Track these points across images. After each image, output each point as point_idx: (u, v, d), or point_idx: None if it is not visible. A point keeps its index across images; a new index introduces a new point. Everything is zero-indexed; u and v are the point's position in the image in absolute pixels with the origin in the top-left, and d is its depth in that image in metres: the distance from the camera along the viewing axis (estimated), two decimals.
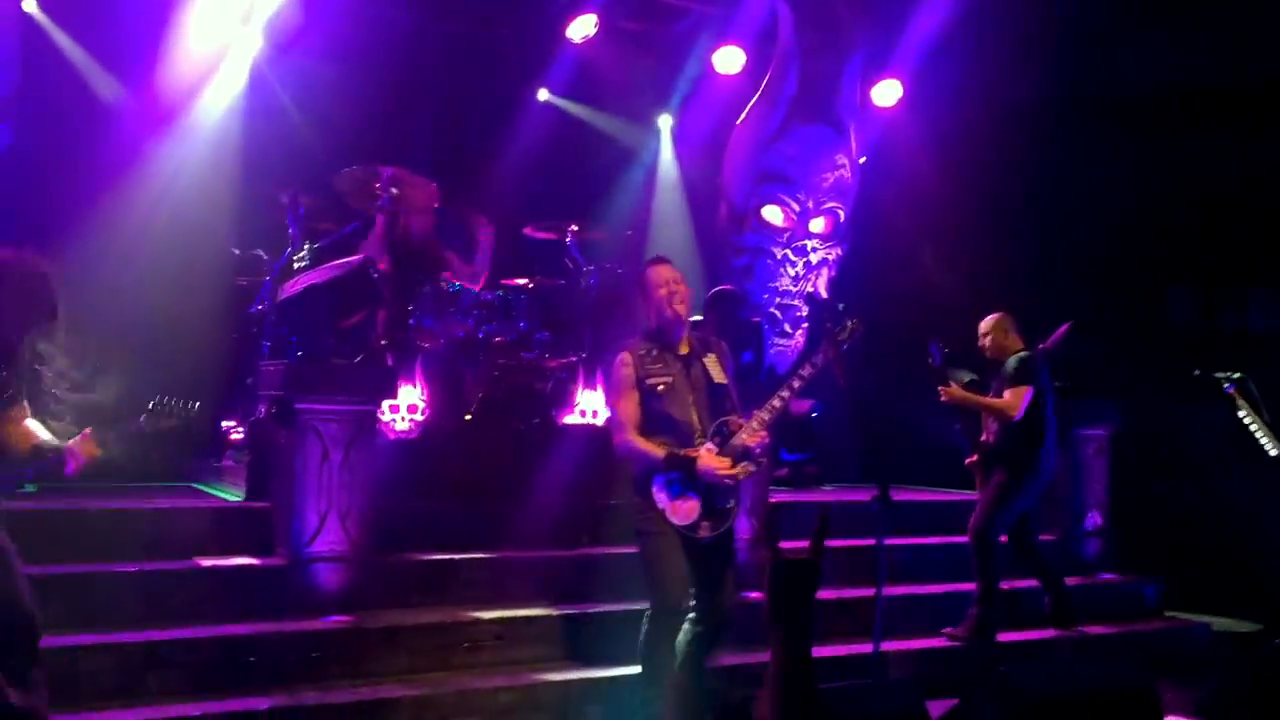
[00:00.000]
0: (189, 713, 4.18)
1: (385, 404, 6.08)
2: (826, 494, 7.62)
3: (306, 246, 6.41)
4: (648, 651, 4.44)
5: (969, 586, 6.00)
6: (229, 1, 7.16)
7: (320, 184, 6.75)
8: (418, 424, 6.26)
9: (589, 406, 6.86)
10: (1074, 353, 7.27)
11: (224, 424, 6.43)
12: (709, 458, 4.32)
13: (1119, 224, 8.06)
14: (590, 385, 6.87)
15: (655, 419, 4.45)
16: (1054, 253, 8.13)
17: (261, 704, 4.31)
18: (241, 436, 6.11)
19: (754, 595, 4.76)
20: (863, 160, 8.98)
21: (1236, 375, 6.22)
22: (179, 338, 6.63)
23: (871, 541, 4.62)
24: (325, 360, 5.30)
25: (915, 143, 8.77)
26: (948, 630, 5.97)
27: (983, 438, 6.14)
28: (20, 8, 6.59)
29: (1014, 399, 5.93)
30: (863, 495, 6.61)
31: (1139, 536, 7.39)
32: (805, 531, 5.50)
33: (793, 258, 8.47)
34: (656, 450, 4.36)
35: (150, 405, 3.68)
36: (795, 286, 8.38)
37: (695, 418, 4.46)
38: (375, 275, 5.51)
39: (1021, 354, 6.07)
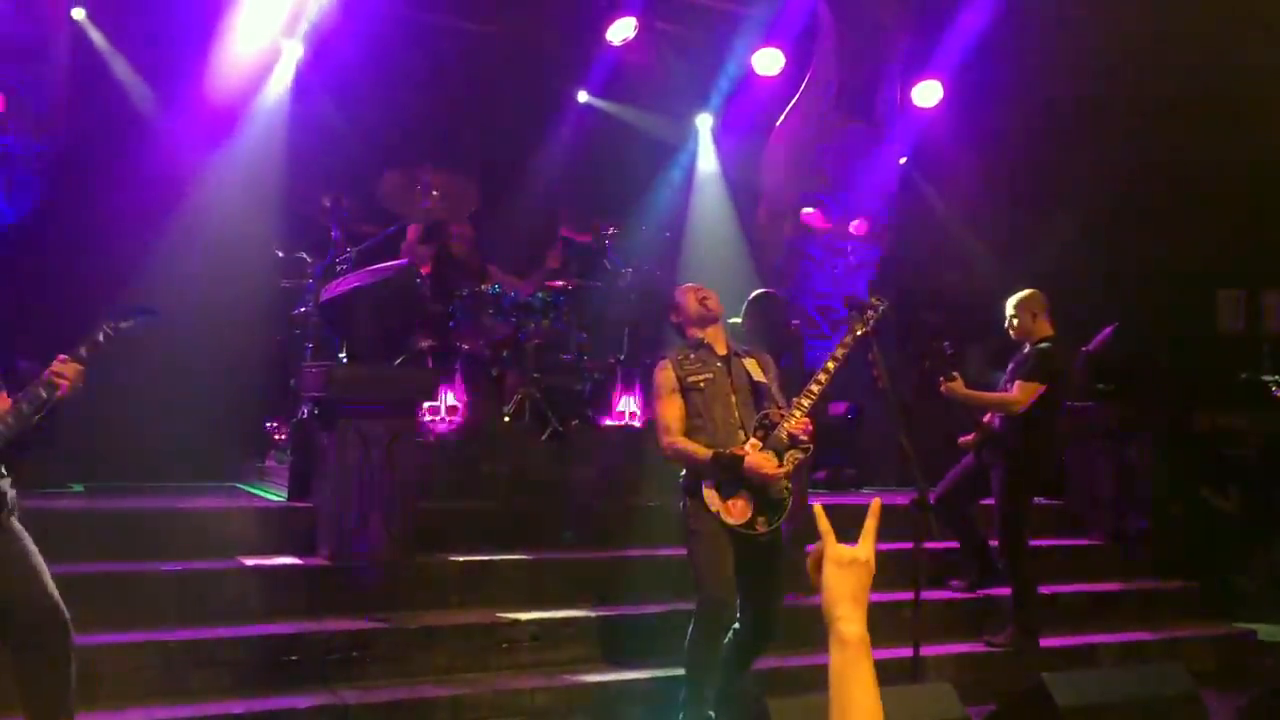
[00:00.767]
0: (232, 710, 4.23)
1: (425, 405, 6.14)
2: (865, 497, 7.58)
3: (350, 250, 6.48)
4: (694, 652, 4.44)
5: (1007, 591, 5.93)
6: (273, 10, 7.25)
7: (363, 188, 6.83)
8: (457, 425, 6.30)
9: (627, 408, 6.88)
10: (1121, 355, 7.19)
11: (268, 425, 6.52)
12: (756, 456, 4.35)
13: (1166, 227, 7.95)
14: (628, 386, 6.89)
15: (699, 417, 4.51)
16: (1099, 255, 8.03)
17: (302, 703, 4.36)
18: (285, 437, 6.19)
19: (791, 598, 4.78)
20: (903, 161, 8.93)
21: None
22: (223, 339, 6.72)
23: (910, 545, 4.57)
24: (367, 362, 5.35)
25: (956, 143, 8.69)
26: (987, 636, 5.90)
27: (985, 418, 5.99)
28: (69, 16, 6.70)
29: (1021, 395, 5.75)
30: (902, 498, 6.57)
31: (1184, 541, 7.29)
32: (845, 535, 5.53)
33: (832, 259, 8.44)
34: (703, 452, 4.39)
35: (107, 314, 3.68)
36: (834, 288, 8.35)
37: (738, 415, 4.51)
38: (419, 279, 5.56)
39: (1043, 345, 5.89)
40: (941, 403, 5.97)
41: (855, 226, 8.46)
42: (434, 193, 6.43)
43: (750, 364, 4.65)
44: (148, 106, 6.92)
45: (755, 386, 4.60)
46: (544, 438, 6.39)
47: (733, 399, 4.54)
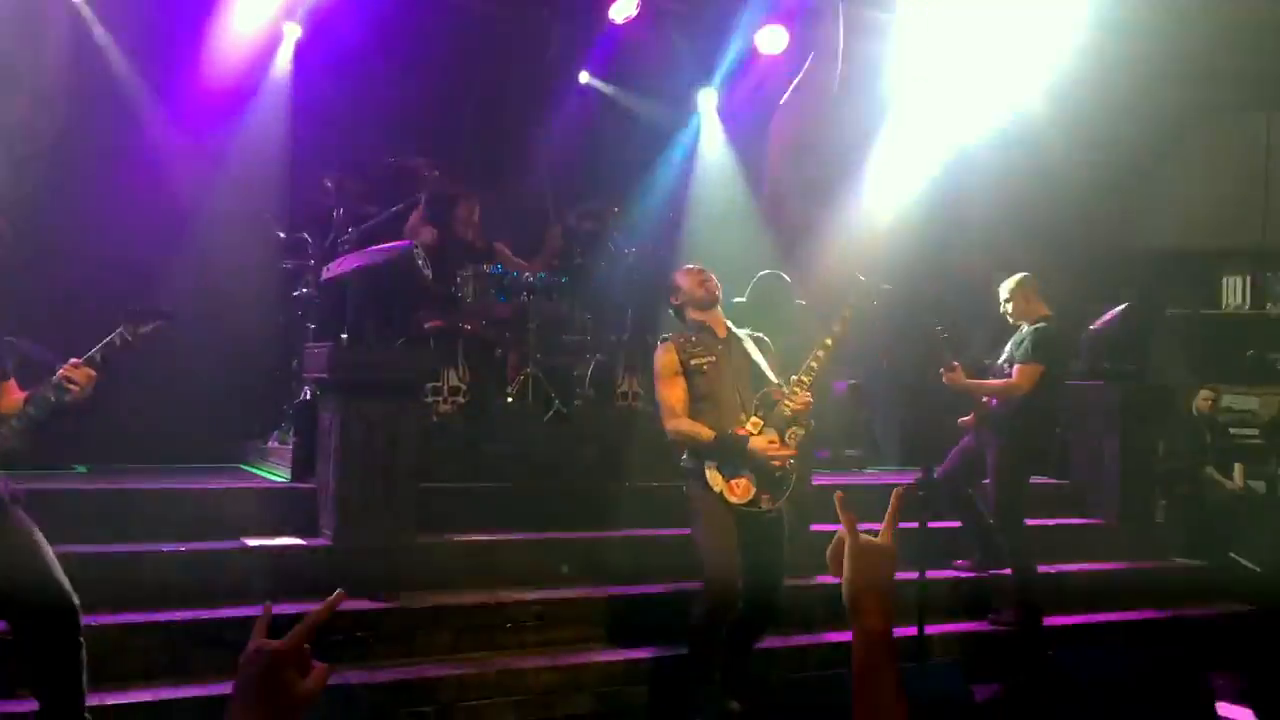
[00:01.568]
0: None
1: (428, 386, 6.12)
2: (869, 476, 7.57)
3: (351, 230, 6.45)
4: (698, 632, 4.45)
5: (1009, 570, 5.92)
6: None
7: (365, 168, 6.79)
8: (460, 406, 6.29)
9: (629, 388, 6.86)
10: (1128, 334, 7.16)
11: (270, 406, 6.51)
12: (759, 439, 4.36)
13: (1172, 213, 7.91)
14: (631, 367, 6.87)
15: (702, 399, 4.53)
16: (1114, 241, 7.98)
17: None
18: (287, 418, 6.18)
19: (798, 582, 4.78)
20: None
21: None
22: (225, 320, 6.70)
23: (915, 525, 4.56)
24: (369, 343, 5.33)
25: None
26: (992, 615, 5.91)
27: (983, 399, 5.96)
28: None
29: (1022, 378, 5.75)
30: (906, 478, 6.58)
31: (1189, 520, 7.27)
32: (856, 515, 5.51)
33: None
34: (707, 433, 4.41)
35: (125, 318, 3.64)
36: (838, 267, 8.30)
37: (739, 395, 4.52)
38: (420, 260, 5.53)
39: (1040, 326, 5.88)
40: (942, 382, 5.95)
41: (858, 205, 8.42)
42: (435, 172, 6.39)
43: (750, 345, 4.65)
44: (147, 88, 6.87)
45: (756, 367, 4.60)
46: (547, 418, 6.38)
47: (733, 377, 4.56)
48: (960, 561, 6.23)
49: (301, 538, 5.19)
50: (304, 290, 6.52)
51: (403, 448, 5.22)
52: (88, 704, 3.62)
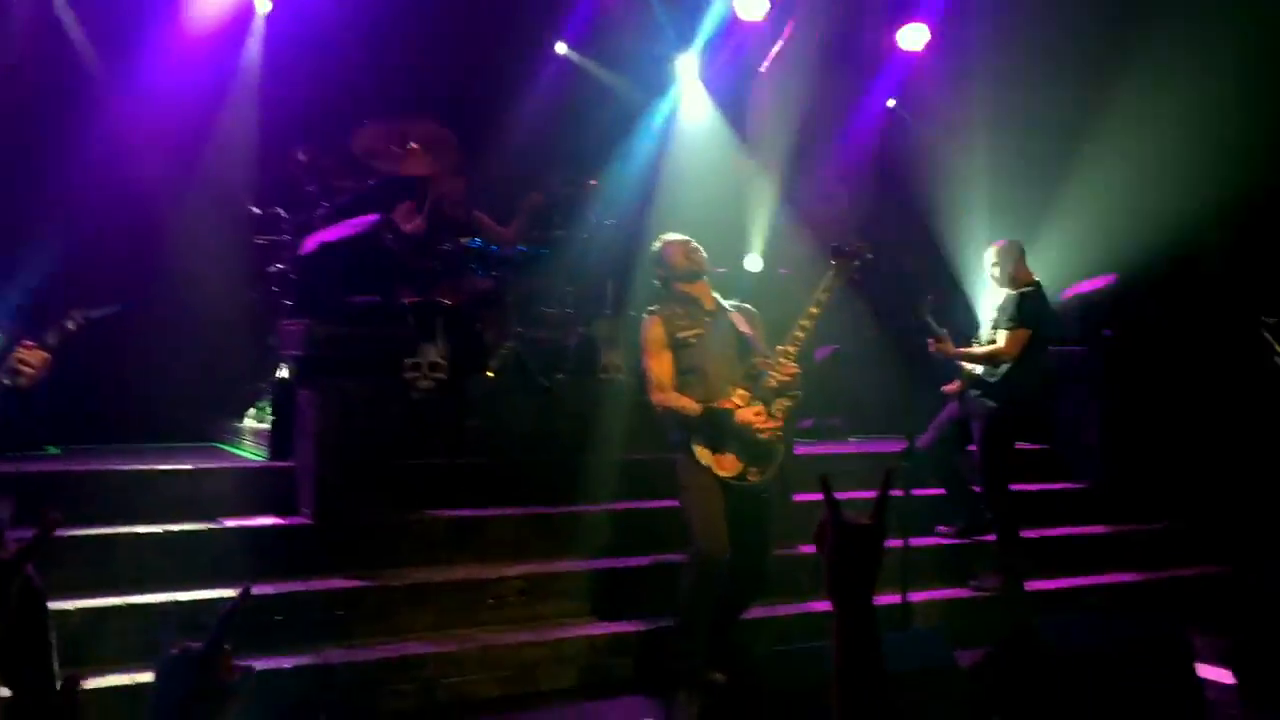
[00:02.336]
0: None
1: (407, 362, 6.05)
2: (852, 445, 7.55)
3: (325, 204, 6.35)
4: (685, 604, 4.45)
5: (994, 536, 5.92)
6: None
7: (339, 140, 6.68)
8: (440, 381, 6.21)
9: (612, 361, 6.80)
10: (1113, 299, 7.15)
11: (245, 383, 6.43)
12: (746, 412, 4.33)
13: (1153, 174, 7.86)
14: (614, 339, 6.80)
15: (689, 372, 4.52)
16: (1087, 201, 7.94)
17: (287, 663, 4.33)
18: (264, 397, 6.10)
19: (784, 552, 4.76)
20: (891, 103, 8.82)
21: (1274, 320, 6.06)
22: (199, 297, 6.61)
23: (899, 493, 4.54)
24: (345, 319, 5.25)
25: (942, 88, 8.56)
26: (974, 581, 5.91)
27: (967, 366, 5.94)
28: None
29: (1009, 345, 5.74)
30: (888, 446, 6.56)
31: (1169, 484, 7.28)
32: (833, 484, 5.49)
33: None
34: (694, 407, 4.39)
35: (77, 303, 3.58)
36: (822, 235, 8.25)
37: (727, 367, 4.49)
38: (391, 235, 5.44)
39: (1025, 290, 5.87)
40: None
41: (841, 173, 8.36)
42: (412, 145, 6.29)
43: (736, 316, 4.62)
44: (113, 62, 6.73)
45: (742, 339, 4.57)
46: (529, 392, 6.32)
47: (719, 350, 4.53)
48: (944, 528, 6.23)
49: (280, 517, 5.14)
50: (279, 266, 6.43)
51: (382, 425, 5.17)
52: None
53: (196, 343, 6.54)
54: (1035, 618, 4.10)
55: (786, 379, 4.39)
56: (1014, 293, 5.90)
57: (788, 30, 8.32)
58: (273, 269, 6.51)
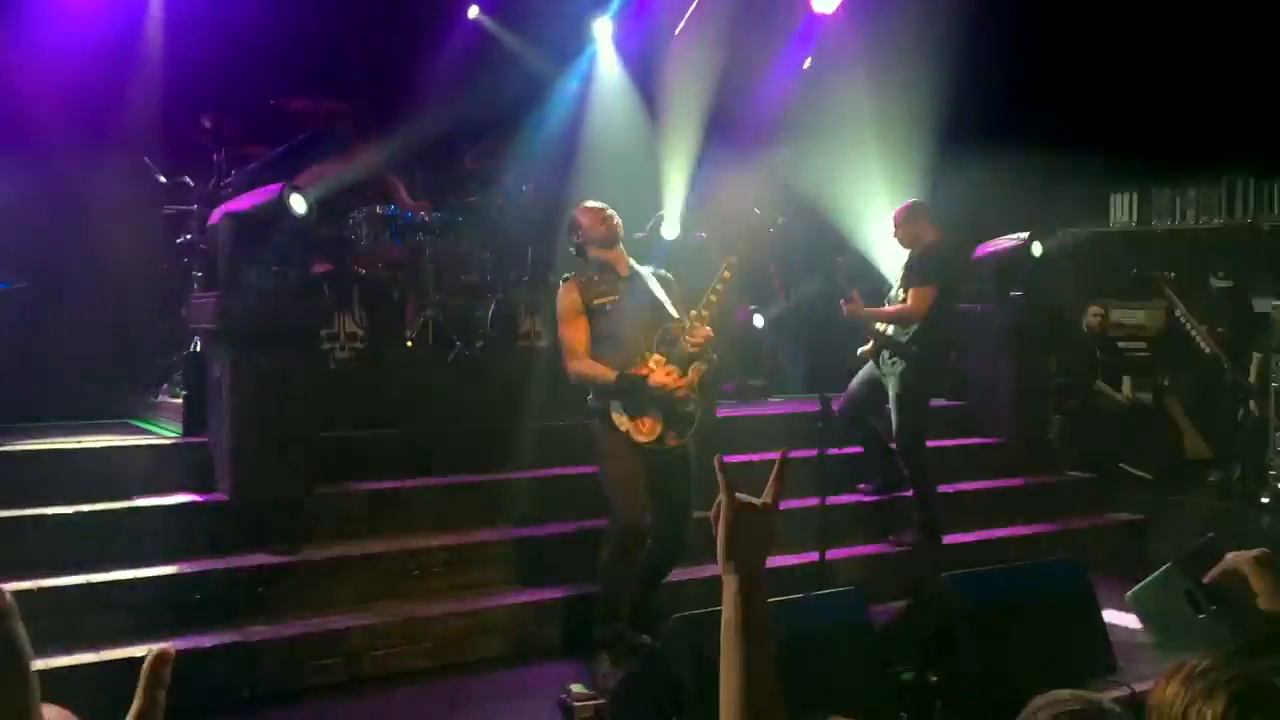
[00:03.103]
0: (134, 653, 4.13)
1: (323, 333, 5.97)
2: (773, 407, 7.65)
3: (234, 172, 6.20)
4: (608, 570, 4.49)
5: (911, 493, 6.07)
6: None
7: (246, 106, 6.51)
8: (358, 352, 6.15)
9: (532, 327, 6.79)
10: (1022, 258, 7.31)
11: (157, 358, 6.28)
12: (660, 374, 4.36)
13: (1066, 134, 8.04)
14: (533, 305, 6.79)
15: (606, 339, 4.52)
16: (1001, 161, 8.09)
17: (207, 641, 4.28)
18: (176, 371, 5.97)
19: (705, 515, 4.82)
20: (807, 65, 8.85)
21: (1171, 275, 6.28)
22: (105, 270, 6.43)
23: (814, 453, 4.62)
24: (257, 291, 5.14)
25: (856, 50, 8.61)
26: (893, 536, 6.06)
27: (879, 327, 6.04)
28: None
29: (917, 302, 5.85)
30: (810, 407, 6.65)
31: (1079, 435, 7.53)
32: (753, 445, 5.56)
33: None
34: (609, 374, 4.41)
35: None
36: (738, 197, 8.28)
37: (643, 334, 4.51)
38: (295, 203, 5.32)
39: (929, 248, 5.98)
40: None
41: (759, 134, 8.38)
42: (322, 112, 6.17)
43: (652, 282, 4.64)
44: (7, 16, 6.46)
45: (658, 304, 4.59)
46: (449, 361, 6.28)
47: (635, 316, 4.54)
48: (863, 485, 6.36)
49: (197, 494, 5.05)
50: (188, 237, 6.27)
51: (298, 397, 5.10)
52: None
53: (105, 316, 6.37)
54: (945, 572, 4.21)
55: (701, 343, 4.42)
56: (920, 251, 6.01)
57: None
58: (181, 239, 6.35)
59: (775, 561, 5.43)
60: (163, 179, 6.54)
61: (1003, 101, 8.17)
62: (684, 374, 4.43)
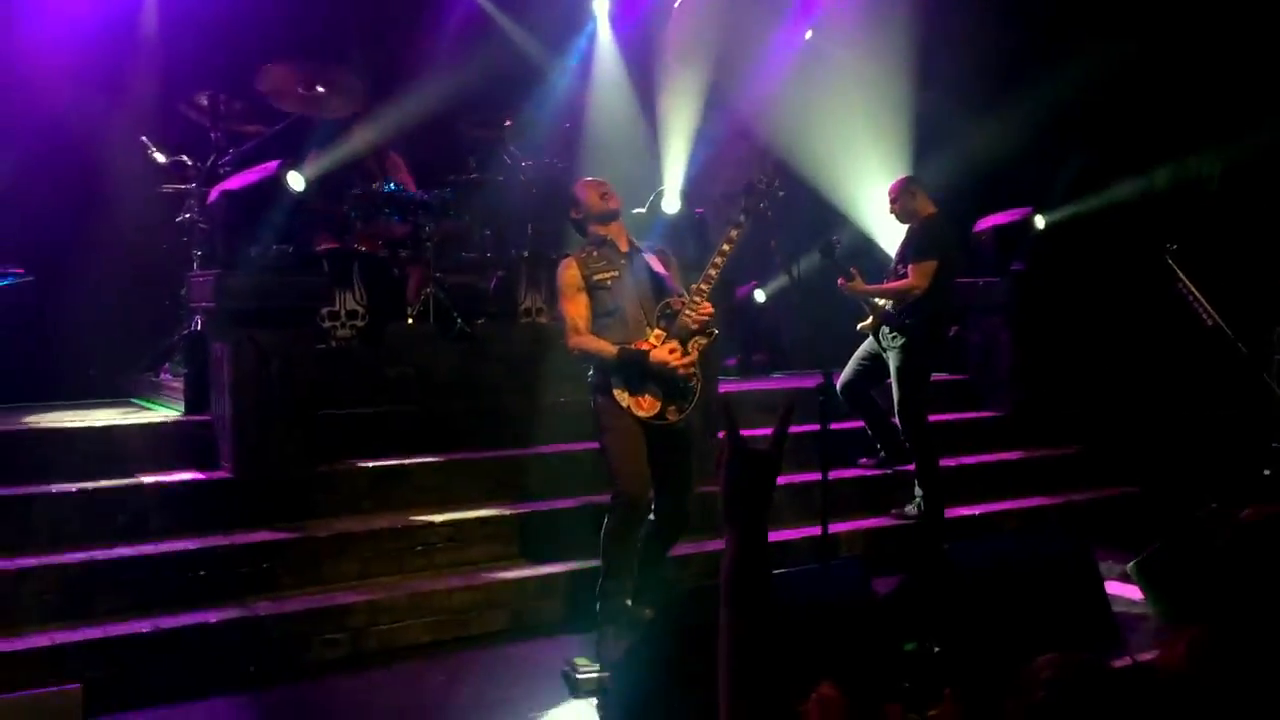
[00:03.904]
0: (138, 629, 4.16)
1: (324, 311, 5.96)
2: (775, 382, 7.66)
3: (231, 151, 6.18)
4: (610, 544, 4.50)
5: (913, 466, 6.08)
6: None
7: (243, 84, 6.48)
8: (359, 329, 6.15)
9: (533, 304, 6.78)
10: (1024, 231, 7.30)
11: (159, 337, 6.28)
12: (661, 350, 4.37)
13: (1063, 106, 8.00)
14: (533, 282, 6.78)
15: (607, 315, 4.53)
16: (996, 134, 8.05)
17: (213, 617, 4.30)
18: (178, 349, 5.97)
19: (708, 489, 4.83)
20: (808, 36, 8.81)
21: (1173, 246, 6.25)
22: (106, 249, 6.42)
23: (817, 427, 4.62)
24: (257, 269, 5.14)
25: (856, 22, 8.57)
26: (895, 510, 6.07)
27: (879, 302, 6.04)
28: None
29: (917, 277, 5.85)
30: (812, 381, 6.65)
31: (1079, 411, 7.51)
32: (756, 420, 5.56)
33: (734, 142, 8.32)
34: (609, 349, 4.41)
35: None
36: (736, 173, 8.25)
37: (643, 309, 4.50)
38: (292, 181, 5.30)
39: (927, 221, 5.99)
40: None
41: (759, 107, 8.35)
42: (318, 88, 6.13)
43: (651, 258, 4.63)
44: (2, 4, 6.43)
45: (656, 278, 4.58)
46: (450, 338, 6.28)
47: (636, 291, 4.54)
48: (864, 460, 6.37)
49: (200, 472, 5.06)
50: (188, 215, 6.25)
51: (299, 375, 5.10)
52: None
53: (106, 296, 6.37)
54: (948, 543, 4.23)
55: (702, 318, 4.42)
56: (917, 225, 6.01)
57: None
58: (181, 218, 6.34)
59: (779, 535, 5.49)
60: (161, 158, 6.52)
61: (998, 75, 8.12)
62: (685, 349, 4.43)
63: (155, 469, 5.01)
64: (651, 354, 4.38)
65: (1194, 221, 7.57)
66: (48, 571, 4.29)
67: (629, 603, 4.56)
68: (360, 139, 6.67)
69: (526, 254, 6.85)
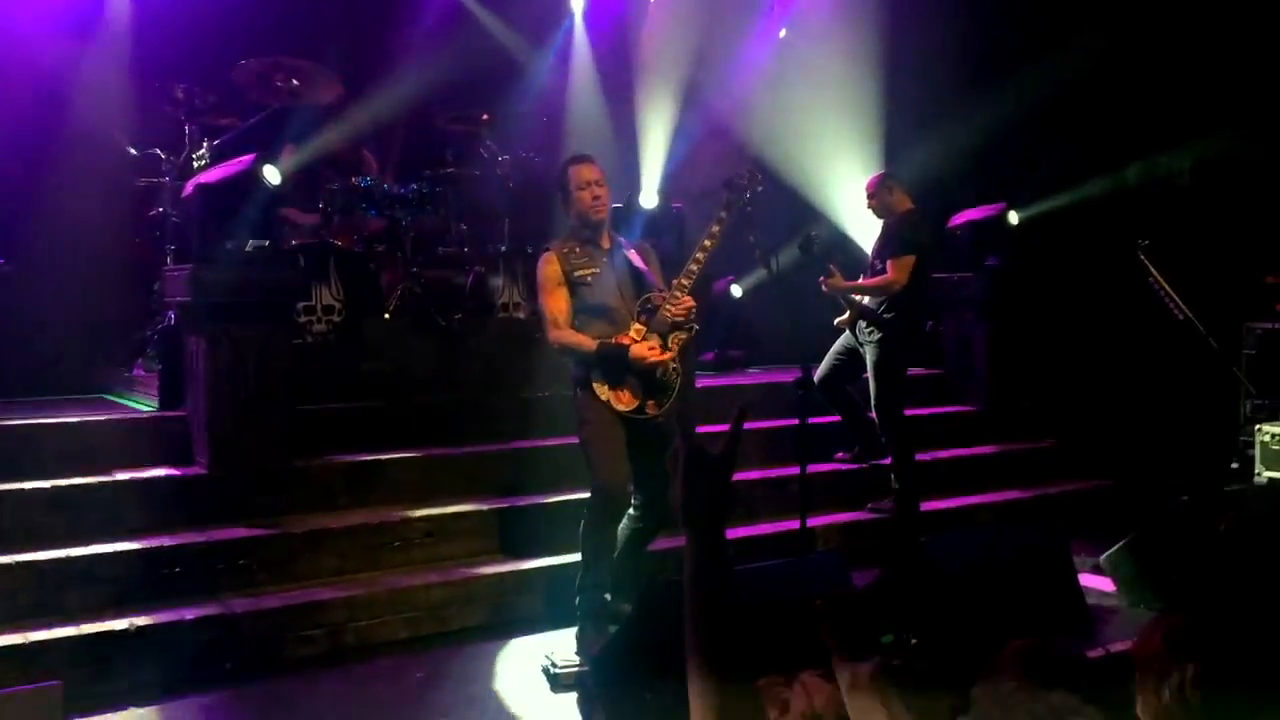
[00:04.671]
0: (114, 626, 4.13)
1: (300, 305, 5.93)
2: (752, 376, 7.68)
3: (205, 143, 6.13)
4: (589, 539, 4.50)
5: (889, 461, 6.11)
6: None
7: (218, 77, 6.43)
8: (335, 324, 6.11)
9: (511, 298, 6.76)
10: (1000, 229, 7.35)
11: (132, 332, 6.23)
12: (640, 347, 4.36)
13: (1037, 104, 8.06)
14: (511, 276, 6.76)
15: (588, 310, 4.52)
16: (970, 131, 8.10)
17: (189, 614, 4.27)
18: (151, 344, 5.92)
19: None
20: (782, 34, 8.83)
21: (1145, 241, 6.32)
22: (77, 243, 6.35)
23: (795, 421, 4.64)
24: (231, 263, 5.10)
25: (830, 19, 8.60)
26: (871, 504, 6.11)
27: (858, 297, 6.06)
28: None
29: (897, 272, 5.89)
30: (788, 376, 6.68)
31: (1052, 405, 7.58)
32: (730, 416, 5.59)
33: (712, 140, 8.32)
34: (588, 343, 4.41)
35: None
36: (715, 168, 8.27)
37: (625, 304, 4.51)
38: (268, 174, 5.26)
39: (905, 217, 6.03)
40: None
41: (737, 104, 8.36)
42: (293, 81, 6.09)
43: (632, 253, 4.63)
44: None
45: (637, 273, 4.59)
46: (427, 333, 6.25)
47: (617, 287, 4.54)
48: (840, 454, 6.40)
49: (175, 468, 5.03)
50: (160, 209, 6.21)
51: (275, 370, 5.07)
52: None
53: (78, 291, 6.30)
54: (925, 537, 4.26)
55: (682, 312, 4.43)
56: (894, 221, 6.04)
57: None
58: (154, 212, 6.28)
59: (757, 529, 5.51)
60: (133, 151, 6.47)
61: (971, 72, 8.18)
62: (664, 344, 4.43)
63: (129, 465, 4.96)
64: (631, 349, 4.39)
65: (1165, 217, 7.64)
66: (20, 569, 4.24)
67: (608, 597, 4.57)
68: (336, 133, 6.63)
69: (504, 249, 6.84)
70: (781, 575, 3.72)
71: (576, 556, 4.65)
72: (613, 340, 4.41)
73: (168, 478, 4.93)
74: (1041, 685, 1.58)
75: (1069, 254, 7.77)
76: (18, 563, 4.27)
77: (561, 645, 4.44)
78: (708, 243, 4.50)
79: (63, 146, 6.45)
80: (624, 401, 4.42)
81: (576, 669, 4.20)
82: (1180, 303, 6.39)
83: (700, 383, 6.38)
